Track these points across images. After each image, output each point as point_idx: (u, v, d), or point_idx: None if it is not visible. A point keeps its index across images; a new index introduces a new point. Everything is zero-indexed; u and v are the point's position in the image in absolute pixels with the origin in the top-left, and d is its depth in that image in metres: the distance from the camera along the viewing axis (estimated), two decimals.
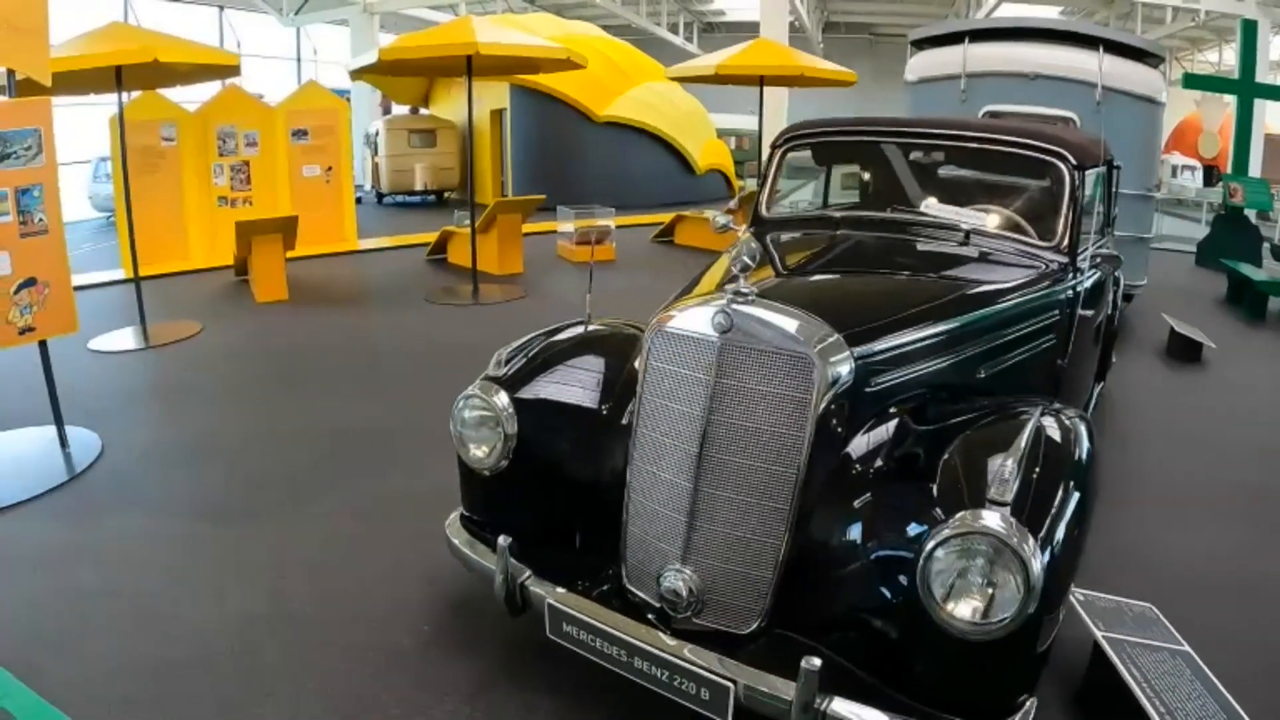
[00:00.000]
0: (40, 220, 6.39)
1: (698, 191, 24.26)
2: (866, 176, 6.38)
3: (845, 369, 3.27)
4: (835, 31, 46.51)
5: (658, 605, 3.38)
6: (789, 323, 3.24)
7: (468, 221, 12.80)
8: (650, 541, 3.44)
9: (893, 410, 3.52)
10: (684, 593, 3.26)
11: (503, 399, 3.86)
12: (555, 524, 3.92)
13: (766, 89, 15.52)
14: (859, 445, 3.37)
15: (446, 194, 24.83)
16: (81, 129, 16.95)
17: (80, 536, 5.45)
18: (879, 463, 3.34)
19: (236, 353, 9.68)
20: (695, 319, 3.35)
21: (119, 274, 14.00)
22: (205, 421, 7.46)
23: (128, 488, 6.16)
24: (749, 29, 24.56)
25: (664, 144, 23.85)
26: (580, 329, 4.40)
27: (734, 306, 3.24)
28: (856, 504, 3.22)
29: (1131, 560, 5.12)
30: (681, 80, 16.42)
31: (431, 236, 15.72)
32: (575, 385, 4.05)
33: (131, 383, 8.74)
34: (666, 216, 17.46)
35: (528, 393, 3.95)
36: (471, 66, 11.57)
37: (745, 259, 3.40)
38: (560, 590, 3.50)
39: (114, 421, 7.33)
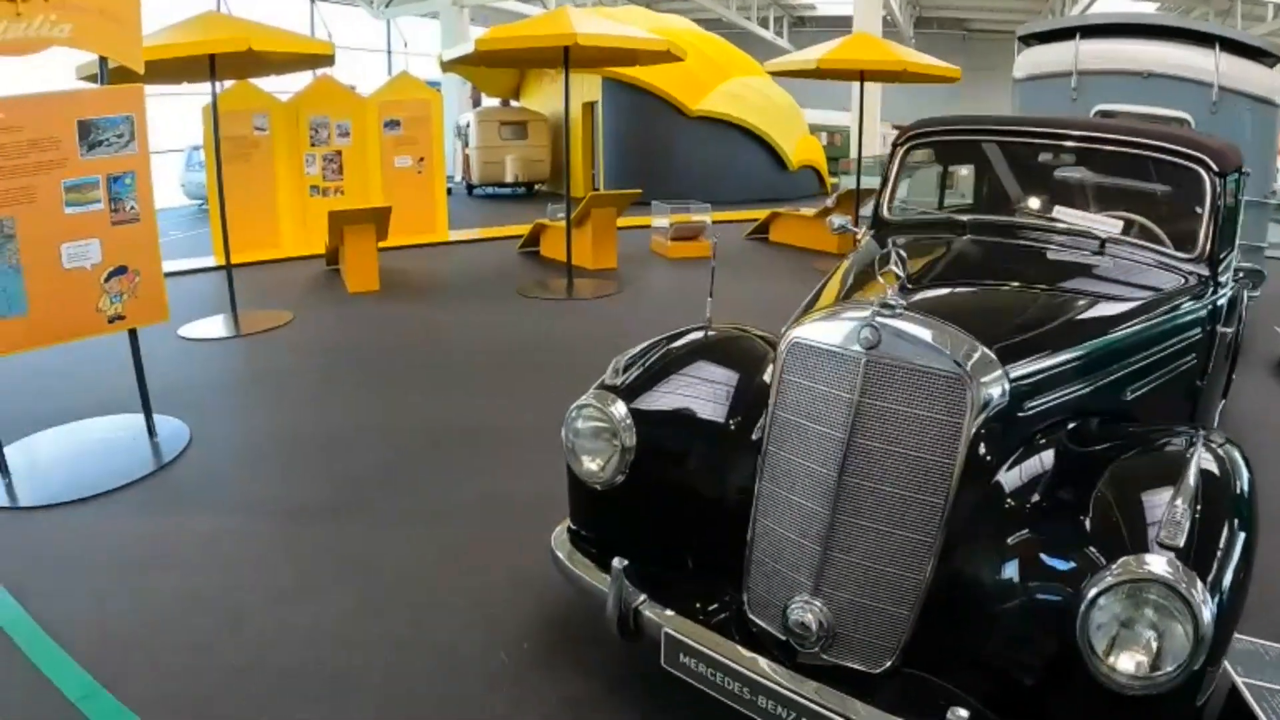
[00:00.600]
0: (132, 208, 6.31)
1: (791, 188, 23.91)
2: (984, 177, 6.03)
3: (998, 390, 2.98)
4: (927, 27, 45.86)
5: (782, 638, 3.10)
6: (941, 339, 2.94)
7: (561, 215, 12.63)
8: (778, 570, 3.15)
9: (1041, 437, 3.22)
10: (813, 626, 2.97)
11: (620, 409, 3.58)
12: (671, 544, 3.63)
13: (858, 85, 15.18)
14: (1008, 475, 3.07)
15: (536, 186, 24.76)
16: (179, 117, 17.06)
17: (165, 531, 5.33)
18: (1029, 495, 3.04)
19: (327, 344, 9.58)
20: (837, 331, 3.05)
21: (210, 261, 14.04)
22: (295, 414, 7.34)
23: (215, 481, 6.04)
24: (839, 24, 24.24)
25: (757, 139, 23.54)
26: (702, 335, 4.09)
27: (881, 320, 2.94)
28: (1007, 539, 2.92)
29: (1267, 596, 4.76)
30: (779, 74, 16.11)
31: (523, 229, 15.59)
32: (699, 397, 3.75)
33: (221, 371, 8.67)
34: (760, 213, 17.15)
35: (647, 403, 3.66)
36: (569, 58, 11.39)
37: (894, 268, 3.11)
38: (678, 618, 3.24)
39: (203, 411, 7.24)
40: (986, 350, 3.00)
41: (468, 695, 3.78)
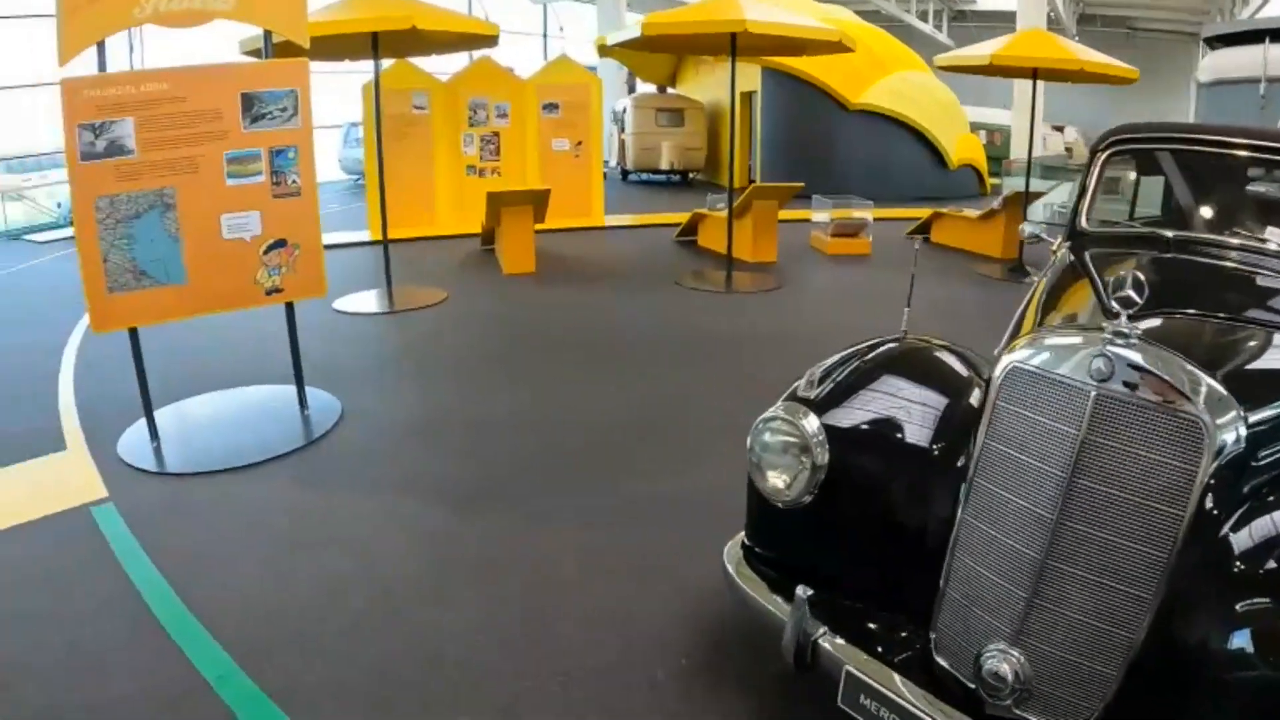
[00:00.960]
0: (293, 182, 6.30)
1: (950, 187, 23.31)
2: (1178, 189, 5.59)
3: (1234, 435, 2.63)
4: (1091, 24, 44.44)
5: (971, 686, 2.82)
6: (1179, 375, 2.60)
7: (722, 205, 12.43)
8: (974, 612, 2.86)
9: (1271, 493, 2.80)
10: (1009, 678, 2.68)
11: (813, 424, 3.28)
12: (854, 572, 3.31)
13: (1016, 82, 14.62)
14: (1239, 533, 2.70)
15: (691, 175, 24.61)
16: (337, 94, 17.29)
17: (311, 508, 5.29)
18: (1263, 557, 2.68)
19: (482, 324, 9.52)
20: (1063, 359, 2.73)
21: (364, 235, 14.18)
22: (448, 396, 7.26)
23: (363, 460, 5.98)
24: (1000, 19, 23.56)
25: (917, 135, 23.00)
26: (900, 348, 3.72)
27: (1115, 350, 2.64)
28: (1237, 605, 2.57)
29: None
30: (947, 70, 15.64)
31: (677, 217, 15.42)
32: (898, 416, 3.40)
33: (374, 347, 8.68)
34: (920, 211, 16.66)
35: (841, 419, 3.35)
36: (735, 45, 11.13)
37: (1130, 291, 2.80)
38: (861, 656, 2.97)
39: (354, 386, 7.23)
40: (1224, 390, 2.67)
41: (623, 710, 3.57)
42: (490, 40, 11.53)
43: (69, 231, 18.81)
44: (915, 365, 3.63)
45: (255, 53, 10.37)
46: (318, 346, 7.62)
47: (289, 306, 6.60)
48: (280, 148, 6.26)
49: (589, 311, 10.12)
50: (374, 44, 10.33)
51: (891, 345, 3.70)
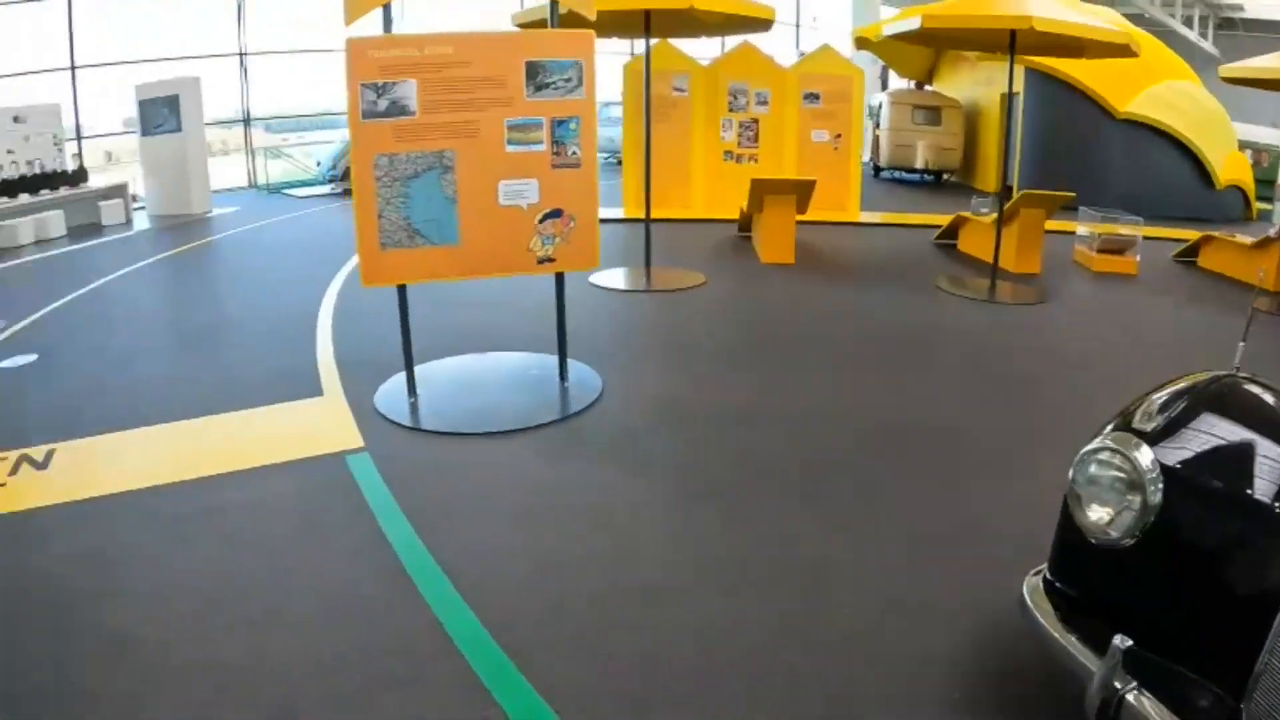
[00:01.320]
0: (573, 153, 6.29)
1: (1215, 208, 22.03)
2: None
3: None
4: None
5: None
6: None
7: (986, 209, 12.00)
8: None
9: None
10: None
11: (1147, 458, 2.97)
12: (1164, 624, 3.00)
13: None
14: None
15: (944, 175, 24.02)
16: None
17: (567, 483, 5.29)
18: None
19: (739, 312, 9.41)
20: None
21: (618, 213, 14.25)
22: (707, 384, 7.12)
23: (620, 440, 5.93)
24: (1272, 29, 22.20)
25: (1184, 150, 21.91)
26: (1238, 387, 3.32)
27: None
28: None
29: None
30: (1233, 82, 14.72)
31: (932, 219, 14.97)
32: (1239, 463, 3.03)
33: (631, 325, 8.68)
34: (1188, 233, 15.72)
35: (1176, 459, 3.02)
36: (1014, 43, 10.69)
37: None
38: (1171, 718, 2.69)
39: (612, 363, 7.23)
40: None
41: None
42: (764, 24, 11.33)
43: (325, 189, 19.57)
44: (1258, 409, 3.28)
45: (528, 25, 10.50)
46: (574, 319, 7.60)
47: (559, 277, 6.62)
48: (562, 118, 6.25)
49: (848, 308, 9.82)
50: (646, 22, 10.29)
51: (1227, 382, 3.34)
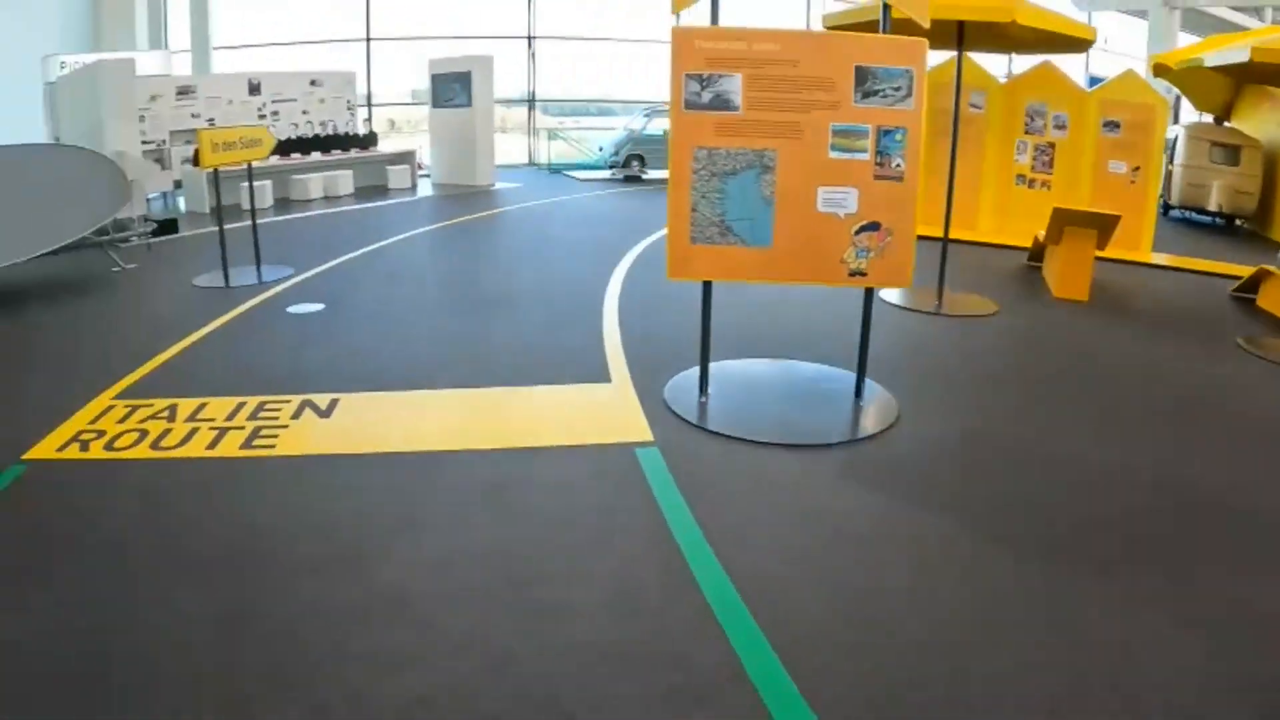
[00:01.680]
0: (897, 165, 6.06)
1: None
2: None
3: None
4: None
5: None
6: None
7: None
8: None
9: None
10: None
11: None
12: None
13: None
14: None
15: (1238, 220, 22.73)
16: None
17: (860, 508, 5.04)
18: None
19: (1035, 348, 8.91)
20: None
21: None
22: (998, 419, 6.63)
23: (914, 469, 5.59)
24: None
25: None
26: None
27: None
28: None
29: None
30: None
31: (1230, 268, 14.01)
32: None
33: (925, 348, 8.38)
34: None
35: None
36: None
37: None
38: None
39: (903, 385, 6.92)
40: None
41: None
42: (1084, 44, 10.86)
43: (606, 173, 19.89)
44: None
45: (834, 29, 10.32)
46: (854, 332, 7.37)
47: (867, 292, 6.40)
48: (889, 128, 6.02)
49: (1145, 358, 8.86)
50: (959, 33, 10.01)
51: None
